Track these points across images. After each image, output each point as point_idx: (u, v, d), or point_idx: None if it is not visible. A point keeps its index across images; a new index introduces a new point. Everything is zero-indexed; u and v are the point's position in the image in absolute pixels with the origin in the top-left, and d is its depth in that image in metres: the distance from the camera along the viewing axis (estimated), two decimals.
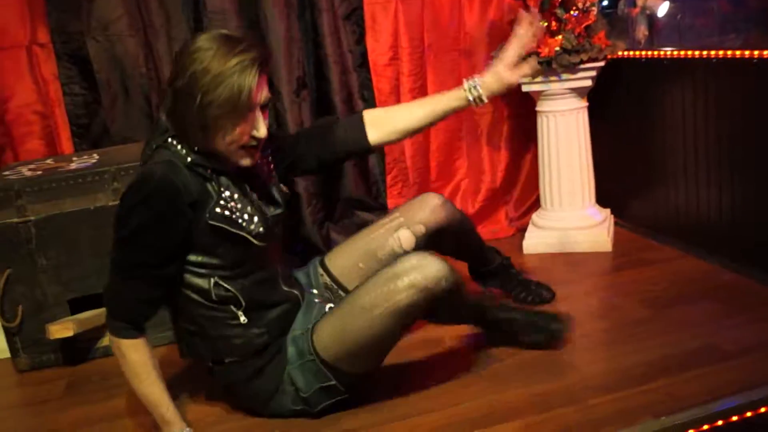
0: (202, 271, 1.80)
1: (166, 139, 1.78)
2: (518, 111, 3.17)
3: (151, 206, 1.70)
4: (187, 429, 1.83)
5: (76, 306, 2.47)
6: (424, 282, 1.77)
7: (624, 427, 1.70)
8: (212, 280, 1.81)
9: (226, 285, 1.82)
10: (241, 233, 1.78)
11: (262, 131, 1.76)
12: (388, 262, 1.91)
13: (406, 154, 3.11)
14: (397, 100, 3.05)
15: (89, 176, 2.39)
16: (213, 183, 1.78)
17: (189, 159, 1.75)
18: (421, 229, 2.11)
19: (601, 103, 2.96)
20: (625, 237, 2.97)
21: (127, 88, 2.87)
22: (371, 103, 3.02)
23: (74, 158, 2.63)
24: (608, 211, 3.07)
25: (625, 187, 3.09)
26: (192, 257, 1.79)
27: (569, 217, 2.93)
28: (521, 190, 3.29)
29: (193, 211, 1.74)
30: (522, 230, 3.12)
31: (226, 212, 1.78)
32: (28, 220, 2.36)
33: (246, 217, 1.80)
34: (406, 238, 2.10)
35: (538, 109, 2.91)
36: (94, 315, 2.44)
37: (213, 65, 1.65)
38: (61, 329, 2.35)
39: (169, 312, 1.92)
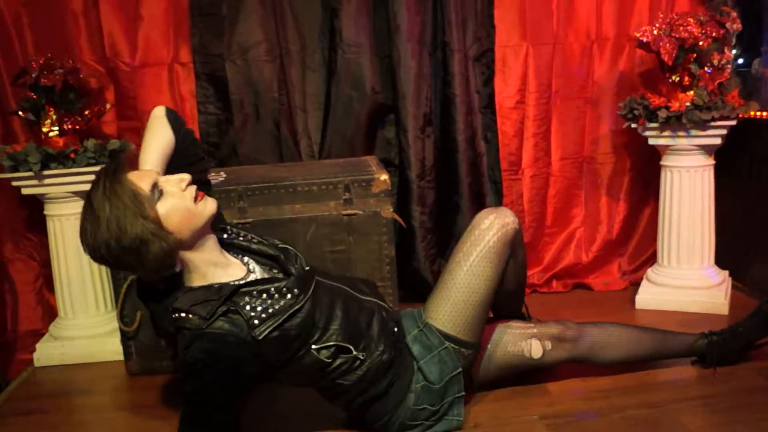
0: (301, 353, 1.83)
1: (181, 315, 1.75)
2: (641, 163, 3.11)
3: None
4: None
5: None
6: (502, 221, 2.07)
7: None
8: (312, 350, 1.83)
9: (324, 344, 1.84)
10: (290, 313, 1.78)
11: (185, 176, 1.76)
12: (512, 361, 2.14)
13: (524, 198, 3.10)
14: (521, 143, 3.07)
15: (216, 193, 2.45)
16: (230, 303, 1.75)
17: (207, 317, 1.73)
18: (548, 345, 2.16)
19: (728, 162, 2.87)
20: (742, 301, 2.84)
21: (259, 111, 2.97)
22: (494, 145, 3.03)
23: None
24: (727, 273, 2.96)
25: (746, 250, 2.98)
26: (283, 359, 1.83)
27: (686, 276, 2.85)
28: (637, 243, 3.22)
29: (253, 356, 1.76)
30: (635, 284, 3.05)
31: (263, 315, 1.76)
32: None
33: (276, 295, 1.80)
34: (536, 348, 2.15)
35: (663, 163, 2.84)
36: None
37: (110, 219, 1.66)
38: None
39: (327, 399, 1.99)
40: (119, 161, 1.75)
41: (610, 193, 3.16)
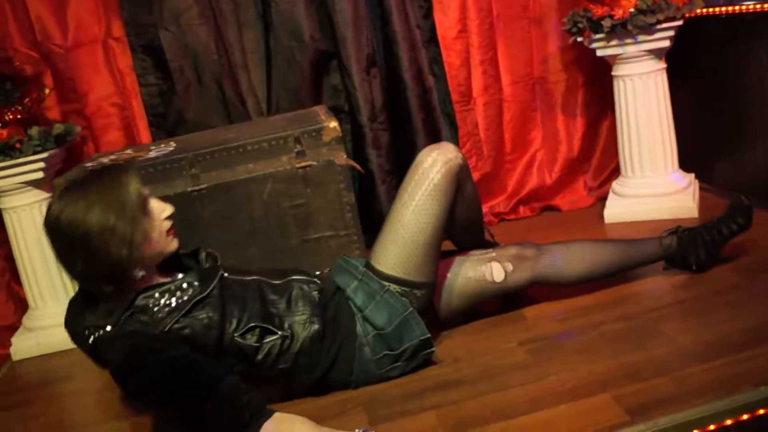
0: (225, 343, 1.82)
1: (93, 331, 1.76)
2: (593, 77, 3.08)
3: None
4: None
5: None
6: (445, 157, 2.03)
7: (720, 397, 1.64)
8: (236, 338, 1.82)
9: (244, 329, 1.83)
10: (193, 303, 1.80)
11: (168, 209, 1.83)
12: (475, 288, 2.13)
13: (479, 127, 3.07)
14: (469, 73, 3.02)
15: (167, 164, 2.42)
16: (134, 308, 1.77)
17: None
18: (509, 266, 2.14)
19: (680, 64, 2.85)
20: (711, 202, 2.84)
21: (200, 76, 2.92)
22: (442, 78, 2.99)
23: (152, 147, 2.67)
24: (692, 175, 2.95)
25: (709, 150, 2.97)
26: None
27: (652, 184, 2.84)
28: (599, 158, 3.20)
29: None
30: (602, 199, 3.05)
31: (166, 309, 1.78)
32: None
33: (178, 291, 1.81)
34: (497, 270, 2.13)
35: (614, 73, 2.81)
36: None
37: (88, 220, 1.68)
38: None
39: (290, 393, 1.96)
40: (131, 163, 1.85)
41: (566, 112, 3.14)
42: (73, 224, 1.68)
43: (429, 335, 1.97)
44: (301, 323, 1.90)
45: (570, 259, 2.17)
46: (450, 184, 2.05)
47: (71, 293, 2.74)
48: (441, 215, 2.03)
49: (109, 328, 1.74)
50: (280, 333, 1.87)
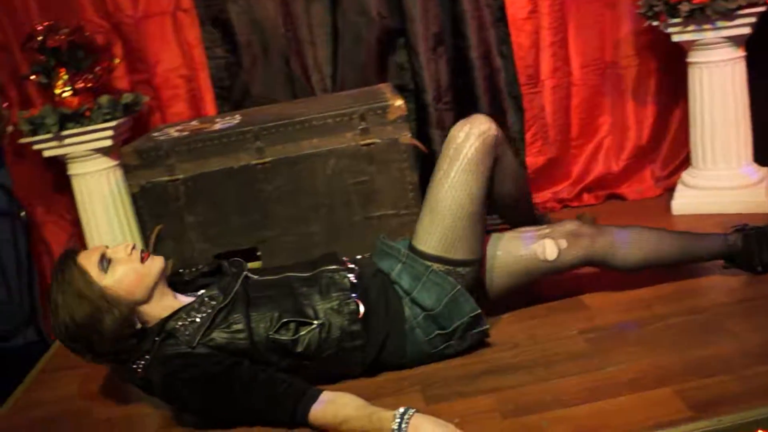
0: (262, 345, 1.86)
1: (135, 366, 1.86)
2: (666, 63, 2.98)
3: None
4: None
5: None
6: (478, 129, 1.99)
7: None
8: (270, 337, 1.85)
9: (277, 326, 1.86)
10: (216, 313, 1.86)
11: (129, 243, 1.90)
12: (526, 266, 2.07)
13: (546, 111, 3.01)
14: (537, 55, 2.96)
15: (233, 136, 2.44)
16: (164, 333, 1.84)
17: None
18: (563, 243, 2.06)
19: (760, 52, 2.73)
20: None
21: (267, 50, 2.93)
22: (510, 59, 2.94)
23: (217, 119, 2.70)
24: (766, 169, 2.84)
25: None
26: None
27: (723, 176, 2.74)
28: (669, 147, 3.10)
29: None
30: (669, 190, 2.96)
31: (193, 327, 1.84)
32: (177, 178, 2.44)
33: (202, 307, 1.87)
34: (550, 248, 2.06)
35: (689, 60, 2.72)
36: None
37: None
38: None
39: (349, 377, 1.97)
40: (70, 250, 1.89)
41: (636, 98, 3.04)
42: (64, 328, 1.81)
43: (479, 311, 1.94)
44: (336, 309, 1.90)
45: (628, 243, 2.08)
46: (486, 157, 2.00)
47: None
48: (479, 190, 1.99)
49: (147, 356, 1.83)
50: (315, 323, 1.87)
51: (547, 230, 2.09)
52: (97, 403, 2.15)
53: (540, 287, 2.24)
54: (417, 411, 1.63)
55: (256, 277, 2.02)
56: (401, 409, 1.63)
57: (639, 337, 1.96)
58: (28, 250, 3.02)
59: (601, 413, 1.64)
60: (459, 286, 1.94)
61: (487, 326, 1.98)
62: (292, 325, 1.86)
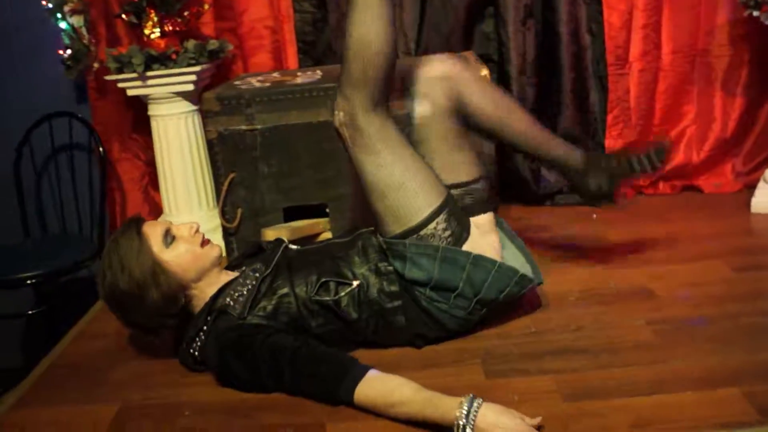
0: (310, 308, 1.89)
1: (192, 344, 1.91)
2: (761, 56, 2.87)
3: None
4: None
5: (289, 215, 2.56)
6: (338, 120, 1.93)
7: None
8: (314, 299, 1.88)
9: (317, 288, 1.88)
10: (260, 283, 1.90)
11: (194, 223, 1.96)
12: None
13: (631, 94, 2.94)
14: (628, 36, 2.88)
15: (315, 91, 2.44)
16: (215, 311, 1.89)
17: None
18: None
19: None
20: None
21: None
22: (599, 37, 2.87)
23: (299, 73, 2.71)
24: None
25: None
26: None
27: None
28: (754, 143, 3.00)
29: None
30: (750, 187, 2.88)
31: (241, 299, 1.89)
32: (255, 128, 2.46)
33: (247, 280, 1.93)
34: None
35: None
36: (307, 224, 2.54)
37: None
38: (276, 234, 2.44)
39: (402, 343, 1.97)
40: (136, 217, 1.96)
41: (725, 89, 2.95)
42: (111, 288, 1.87)
43: (473, 254, 1.89)
44: (373, 270, 1.91)
45: (488, 93, 2.08)
46: (356, 132, 1.90)
47: (205, 206, 2.86)
48: (388, 155, 1.89)
49: (202, 335, 1.88)
50: (354, 283, 1.89)
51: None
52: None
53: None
54: (484, 400, 1.54)
55: (296, 247, 2.08)
56: (468, 397, 1.53)
57: (709, 334, 1.91)
58: (102, 186, 3.09)
59: (664, 406, 1.62)
60: (440, 246, 1.89)
61: (498, 261, 1.94)
62: (332, 285, 1.89)
